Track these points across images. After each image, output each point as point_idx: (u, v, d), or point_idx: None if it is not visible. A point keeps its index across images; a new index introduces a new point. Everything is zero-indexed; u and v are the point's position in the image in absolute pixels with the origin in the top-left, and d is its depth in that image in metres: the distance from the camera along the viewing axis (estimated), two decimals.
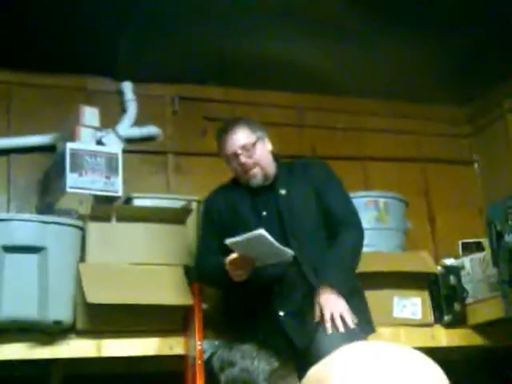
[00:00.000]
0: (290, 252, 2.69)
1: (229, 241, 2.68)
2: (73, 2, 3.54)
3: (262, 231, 2.61)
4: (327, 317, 2.66)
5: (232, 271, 2.74)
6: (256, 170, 2.91)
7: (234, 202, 2.99)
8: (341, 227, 2.90)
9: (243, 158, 2.89)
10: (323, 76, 4.47)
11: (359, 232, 2.94)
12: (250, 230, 2.72)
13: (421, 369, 0.91)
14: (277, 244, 2.64)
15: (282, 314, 2.79)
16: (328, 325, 2.64)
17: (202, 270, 3.04)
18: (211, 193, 3.16)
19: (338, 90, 4.66)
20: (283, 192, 2.92)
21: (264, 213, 2.92)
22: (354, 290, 2.91)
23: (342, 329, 2.62)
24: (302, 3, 3.73)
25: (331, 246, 2.87)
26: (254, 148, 2.91)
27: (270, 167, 2.96)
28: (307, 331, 2.75)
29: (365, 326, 2.84)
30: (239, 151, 2.90)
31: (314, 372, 0.94)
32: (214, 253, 2.95)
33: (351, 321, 2.68)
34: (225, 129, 2.98)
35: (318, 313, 2.71)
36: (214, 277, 2.93)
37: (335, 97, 4.73)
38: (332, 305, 2.69)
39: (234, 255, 2.73)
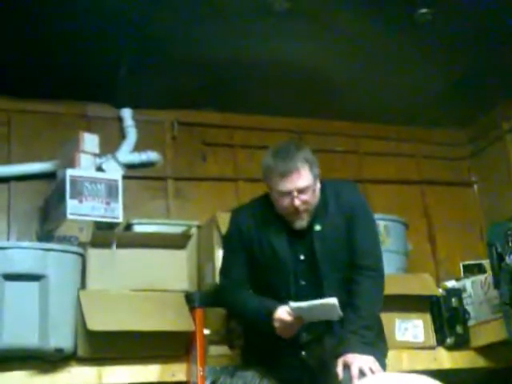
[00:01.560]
0: (341, 314, 2.62)
1: (293, 306, 2.58)
2: (72, 30, 3.56)
3: (335, 301, 2.55)
4: (355, 373, 2.53)
5: (280, 329, 2.64)
6: (305, 214, 2.72)
7: (269, 237, 2.78)
8: (362, 270, 2.76)
9: (298, 202, 2.67)
10: (322, 100, 4.49)
11: (379, 278, 2.80)
12: (288, 274, 2.69)
13: None
14: (338, 309, 2.58)
15: (304, 353, 2.75)
16: (355, 381, 2.49)
17: (231, 303, 2.88)
18: (240, 212, 2.94)
19: (337, 114, 4.68)
20: (318, 228, 2.76)
21: (302, 257, 2.76)
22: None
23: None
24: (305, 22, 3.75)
25: (354, 299, 2.72)
26: (310, 191, 2.71)
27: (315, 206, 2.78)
28: (318, 351, 2.74)
29: (382, 349, 2.84)
30: (295, 193, 2.67)
31: None
32: (243, 282, 2.83)
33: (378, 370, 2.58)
34: (282, 160, 2.68)
35: (340, 369, 2.58)
36: (247, 316, 2.81)
37: (334, 121, 4.75)
38: (360, 361, 2.57)
39: (287, 317, 2.61)
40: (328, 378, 2.65)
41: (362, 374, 2.52)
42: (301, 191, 2.67)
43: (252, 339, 2.94)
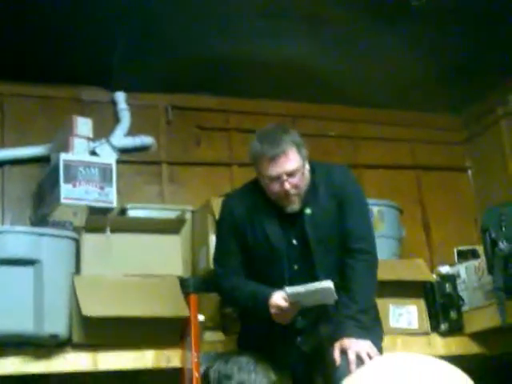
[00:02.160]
0: (336, 297, 2.62)
1: (289, 291, 2.58)
2: (67, 14, 3.54)
3: (331, 284, 2.55)
4: (352, 358, 2.53)
5: (277, 315, 2.63)
6: (295, 198, 2.70)
7: (261, 222, 2.77)
8: (355, 254, 2.75)
9: (287, 186, 2.66)
10: (317, 85, 4.48)
11: (373, 258, 2.79)
12: (282, 259, 2.69)
13: (450, 377, 0.91)
14: (334, 292, 2.58)
15: (299, 339, 2.76)
16: (353, 366, 2.49)
17: (232, 293, 2.84)
18: (231, 199, 2.93)
19: (332, 99, 4.67)
20: (308, 211, 2.74)
21: (294, 241, 2.75)
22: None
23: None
24: (297, 13, 3.73)
25: (348, 283, 2.72)
26: (299, 174, 2.69)
27: (306, 189, 2.76)
28: (314, 336, 2.74)
29: (379, 332, 2.84)
30: (284, 177, 2.66)
31: None
32: (238, 270, 2.81)
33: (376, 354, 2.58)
34: (269, 144, 2.67)
35: (337, 354, 2.58)
36: (244, 303, 2.80)
37: (328, 105, 4.73)
38: (356, 346, 2.57)
39: (283, 303, 2.61)
40: (324, 364, 2.65)
41: (359, 359, 2.52)
42: (290, 174, 2.66)
43: (248, 325, 2.94)
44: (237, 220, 2.81)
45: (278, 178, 2.66)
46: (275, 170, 2.65)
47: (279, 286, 2.66)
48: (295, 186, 2.68)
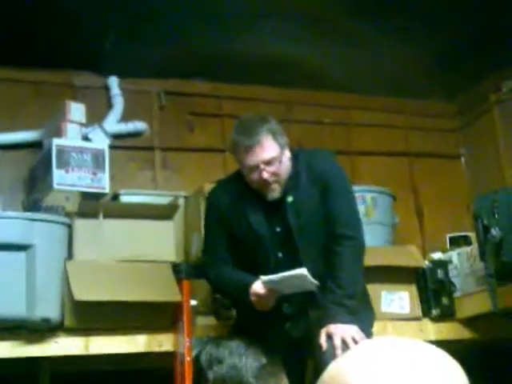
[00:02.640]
0: (316, 283, 2.65)
1: (265, 279, 2.61)
2: None
3: (304, 271, 2.57)
4: (338, 343, 2.54)
5: (257, 302, 2.67)
6: (275, 185, 2.71)
7: (245, 211, 2.79)
8: (341, 240, 2.75)
9: (266, 175, 2.66)
10: (311, 71, 4.48)
11: (358, 243, 2.79)
12: (266, 247, 2.72)
13: (438, 362, 0.91)
14: (311, 279, 2.60)
15: (289, 324, 2.78)
16: (338, 351, 2.50)
17: (214, 280, 2.90)
18: (216, 190, 2.96)
19: (326, 85, 4.66)
20: (290, 199, 2.74)
21: (278, 229, 2.76)
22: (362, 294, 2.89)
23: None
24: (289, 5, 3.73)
25: (334, 270, 2.72)
26: (277, 162, 2.69)
27: (286, 176, 2.76)
28: (303, 322, 2.76)
29: (369, 317, 2.86)
30: (262, 166, 2.66)
31: (332, 369, 0.93)
32: (224, 258, 2.84)
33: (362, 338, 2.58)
34: (246, 134, 2.69)
35: (323, 340, 2.60)
36: (229, 291, 2.87)
37: (323, 91, 4.73)
38: (342, 331, 2.58)
39: (261, 290, 2.64)
40: (312, 349, 2.67)
41: (345, 344, 2.53)
42: (267, 163, 2.66)
43: (239, 311, 2.98)
44: (222, 210, 2.84)
45: (256, 168, 2.67)
46: (252, 159, 2.67)
47: (265, 273, 2.68)
48: (274, 174, 2.69)
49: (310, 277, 2.59)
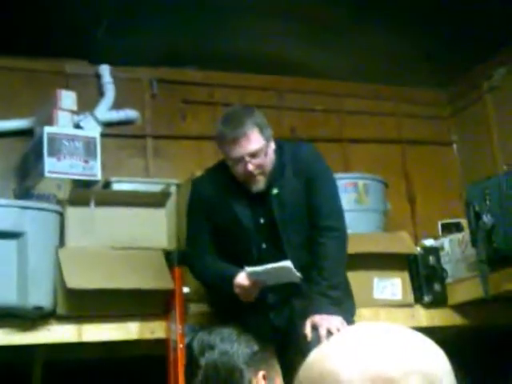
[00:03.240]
0: (300, 276, 2.66)
1: (249, 270, 2.63)
2: None
3: (288, 264, 2.59)
4: (323, 333, 2.56)
5: (241, 294, 2.68)
6: (260, 177, 2.73)
7: (230, 203, 2.80)
8: (324, 232, 2.77)
9: (251, 167, 2.68)
10: (303, 59, 4.47)
11: (341, 235, 2.81)
12: (250, 238, 2.73)
13: (417, 344, 0.91)
14: (296, 271, 2.62)
15: (272, 314, 2.80)
16: (324, 341, 2.54)
17: (198, 271, 2.92)
18: (199, 181, 2.97)
19: (318, 73, 4.66)
20: (275, 191, 2.76)
21: (262, 220, 2.78)
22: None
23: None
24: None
25: (318, 261, 2.75)
26: (263, 154, 2.70)
27: (271, 168, 2.78)
28: (286, 312, 2.78)
29: (350, 307, 2.87)
30: (247, 158, 2.67)
31: (313, 356, 0.94)
32: (208, 249, 2.85)
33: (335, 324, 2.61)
34: (231, 127, 2.70)
35: (308, 330, 2.61)
36: (213, 283, 2.86)
37: (314, 79, 4.72)
38: (327, 322, 2.60)
39: (245, 282, 2.66)
40: (297, 339, 2.68)
41: (330, 334, 2.54)
42: (252, 155, 2.68)
43: (221, 301, 2.97)
44: (205, 201, 2.85)
45: (241, 159, 2.68)
46: (237, 151, 2.68)
47: (248, 264, 2.70)
48: (259, 166, 2.70)
49: (294, 269, 2.60)
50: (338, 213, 2.86)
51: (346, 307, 2.79)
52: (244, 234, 2.76)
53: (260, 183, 2.74)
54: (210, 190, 2.85)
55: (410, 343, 0.90)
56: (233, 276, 2.69)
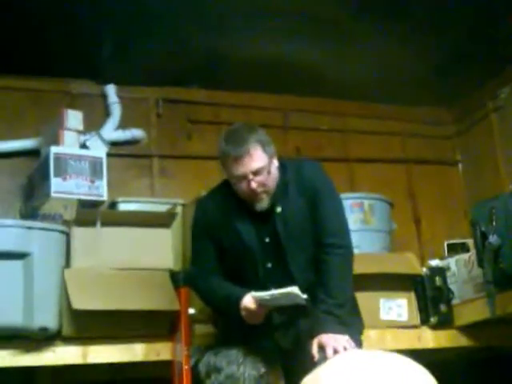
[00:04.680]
0: (307, 298, 2.64)
1: (256, 295, 2.60)
2: (56, 6, 3.52)
3: (295, 289, 2.57)
4: (330, 353, 2.51)
5: (247, 317, 2.65)
6: (264, 196, 2.70)
7: (234, 223, 2.78)
8: (330, 249, 2.75)
9: (254, 185, 2.65)
10: (308, 76, 4.48)
11: (348, 252, 2.79)
12: (255, 258, 2.71)
13: (411, 375, 0.91)
14: (302, 295, 2.60)
15: (277, 335, 2.77)
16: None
17: (204, 292, 2.88)
18: (203, 202, 2.94)
19: (323, 93, 4.67)
20: (279, 210, 2.75)
21: (267, 239, 2.75)
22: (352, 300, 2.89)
23: None
24: (289, 6, 3.73)
25: (324, 279, 2.72)
26: (266, 172, 2.68)
27: (275, 186, 2.76)
28: (292, 332, 2.75)
29: (358, 326, 2.85)
30: (250, 176, 2.65)
31: (310, 376, 0.94)
32: (213, 271, 2.82)
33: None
34: (234, 144, 2.67)
35: (315, 350, 2.57)
36: (218, 304, 2.82)
37: (320, 99, 4.73)
38: (334, 341, 2.56)
39: (252, 305, 2.63)
40: (304, 360, 2.66)
41: (336, 354, 2.51)
42: (255, 173, 2.65)
43: (227, 321, 2.93)
44: (210, 221, 2.82)
45: (244, 178, 2.66)
46: (240, 169, 2.65)
47: (254, 284, 2.68)
48: (262, 185, 2.68)
49: (300, 293, 2.58)
50: (344, 230, 2.83)
51: (353, 325, 2.76)
52: (248, 254, 2.74)
53: (264, 201, 2.72)
54: (214, 209, 2.83)
55: (403, 374, 0.90)
56: (239, 298, 2.66)
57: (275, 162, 2.76)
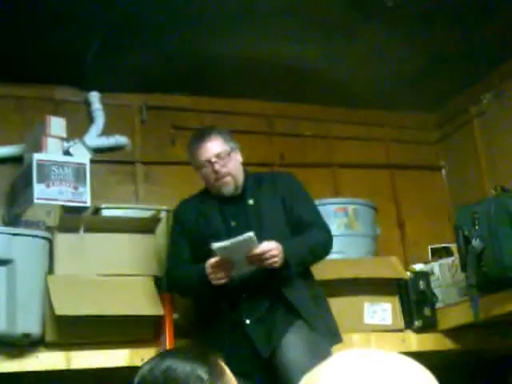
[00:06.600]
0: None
1: (216, 245, 2.72)
2: (39, 11, 3.51)
3: (251, 234, 2.70)
4: (257, 252, 2.72)
5: (213, 275, 2.77)
6: (228, 179, 2.95)
7: (203, 212, 3.02)
8: (310, 228, 2.96)
9: (217, 166, 2.92)
10: (292, 84, 4.49)
11: (327, 233, 2.99)
12: (220, 240, 2.76)
13: (410, 374, 0.91)
14: (256, 241, 2.74)
15: (248, 321, 2.81)
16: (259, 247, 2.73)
17: (175, 278, 3.04)
18: (181, 202, 3.19)
19: (306, 99, 4.68)
20: (251, 202, 2.97)
21: (233, 223, 2.95)
22: (318, 298, 2.93)
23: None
24: (272, 9, 3.73)
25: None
26: (228, 157, 2.95)
27: (241, 177, 3.01)
28: (271, 339, 2.77)
29: (331, 337, 2.85)
30: (213, 159, 2.93)
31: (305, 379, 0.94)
32: (185, 262, 2.98)
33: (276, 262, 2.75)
34: (199, 136, 3.01)
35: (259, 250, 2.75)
36: (189, 283, 2.93)
37: (303, 105, 4.74)
38: (268, 247, 2.75)
39: (215, 258, 2.77)
40: (278, 369, 2.72)
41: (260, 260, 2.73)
42: (218, 156, 2.93)
43: (199, 316, 3.07)
44: (183, 219, 3.09)
45: (209, 162, 2.93)
46: (204, 154, 2.95)
47: None
48: (225, 166, 2.93)
49: (255, 239, 2.72)
50: (320, 221, 3.04)
51: (320, 328, 2.83)
52: (214, 238, 2.83)
53: (230, 184, 2.95)
54: (188, 208, 3.09)
55: (402, 371, 0.90)
56: (204, 265, 2.80)
57: (238, 157, 3.02)
